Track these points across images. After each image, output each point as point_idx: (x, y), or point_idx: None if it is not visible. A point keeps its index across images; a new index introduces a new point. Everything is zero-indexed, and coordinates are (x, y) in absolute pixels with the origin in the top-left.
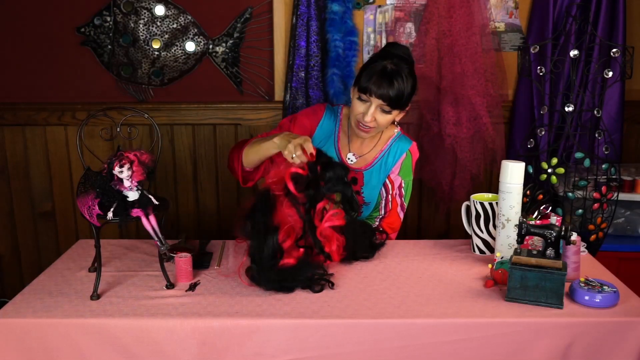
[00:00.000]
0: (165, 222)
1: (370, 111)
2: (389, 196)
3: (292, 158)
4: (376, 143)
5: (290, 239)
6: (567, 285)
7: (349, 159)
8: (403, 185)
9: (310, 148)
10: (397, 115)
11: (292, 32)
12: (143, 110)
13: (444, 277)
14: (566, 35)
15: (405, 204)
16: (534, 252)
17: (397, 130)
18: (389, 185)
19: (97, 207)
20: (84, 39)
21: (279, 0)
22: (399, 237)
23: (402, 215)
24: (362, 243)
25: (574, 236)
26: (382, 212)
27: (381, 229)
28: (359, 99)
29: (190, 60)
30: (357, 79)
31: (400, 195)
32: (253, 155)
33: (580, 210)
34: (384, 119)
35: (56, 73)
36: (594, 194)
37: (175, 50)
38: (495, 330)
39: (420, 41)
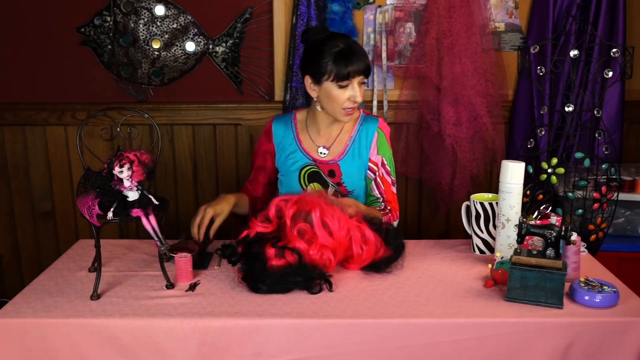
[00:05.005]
0: (165, 222)
1: (357, 90)
2: (378, 178)
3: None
4: (341, 129)
5: (272, 250)
6: (567, 285)
7: (321, 153)
8: (385, 162)
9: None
10: None
11: (292, 32)
12: (143, 110)
13: (444, 277)
14: (566, 35)
15: (394, 179)
16: (534, 252)
17: (360, 112)
18: (374, 168)
19: (97, 207)
20: (84, 39)
21: (279, 0)
22: None
23: (395, 190)
24: (391, 258)
25: (574, 236)
26: (377, 195)
27: (389, 208)
28: (340, 87)
29: (190, 60)
30: (324, 73)
31: (388, 173)
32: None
33: (580, 210)
34: (362, 91)
35: (56, 73)
36: (594, 194)
37: (175, 50)
38: (495, 330)
39: (420, 41)
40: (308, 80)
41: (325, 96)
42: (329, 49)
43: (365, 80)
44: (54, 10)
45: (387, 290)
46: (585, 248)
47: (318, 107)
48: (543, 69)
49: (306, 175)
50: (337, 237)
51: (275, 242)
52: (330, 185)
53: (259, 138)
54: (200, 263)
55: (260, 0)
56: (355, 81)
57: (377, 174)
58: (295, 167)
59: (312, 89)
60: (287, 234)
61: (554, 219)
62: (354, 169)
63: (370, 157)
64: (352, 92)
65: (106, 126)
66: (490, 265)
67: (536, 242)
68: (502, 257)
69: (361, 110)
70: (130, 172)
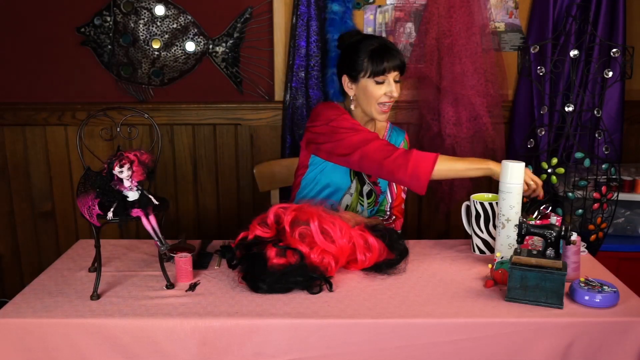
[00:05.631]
0: (165, 222)
1: (393, 86)
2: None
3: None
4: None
5: (274, 249)
6: (567, 285)
7: None
8: None
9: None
10: None
11: (292, 32)
12: (143, 110)
13: (444, 277)
14: (566, 35)
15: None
16: (534, 252)
17: (388, 123)
18: None
19: (97, 207)
20: (84, 39)
21: (279, 0)
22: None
23: (404, 196)
24: (394, 262)
25: (574, 236)
26: (389, 198)
27: (394, 217)
28: (377, 83)
29: (190, 60)
30: (360, 71)
31: None
32: (451, 174)
33: (580, 210)
34: (398, 88)
35: (56, 73)
36: (594, 194)
37: (175, 50)
38: (495, 330)
39: (420, 41)
40: (345, 80)
41: (362, 93)
42: (364, 48)
43: (399, 79)
44: (54, 10)
45: (387, 290)
46: (585, 248)
47: (352, 106)
48: (543, 69)
49: None
50: (339, 244)
51: (276, 242)
52: (366, 183)
53: (340, 117)
54: (200, 263)
55: (260, 0)
56: (391, 77)
57: None
58: None
59: (349, 88)
60: (287, 238)
61: (554, 219)
62: None
63: None
64: (389, 87)
65: (106, 126)
66: (490, 265)
67: (536, 242)
68: (502, 257)
69: (388, 122)
70: (130, 172)
